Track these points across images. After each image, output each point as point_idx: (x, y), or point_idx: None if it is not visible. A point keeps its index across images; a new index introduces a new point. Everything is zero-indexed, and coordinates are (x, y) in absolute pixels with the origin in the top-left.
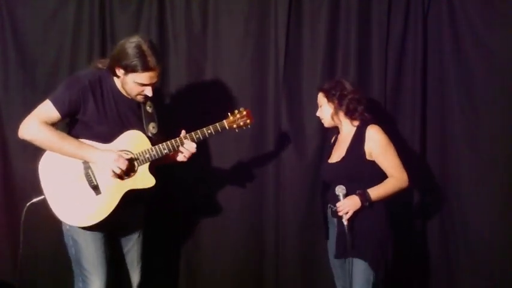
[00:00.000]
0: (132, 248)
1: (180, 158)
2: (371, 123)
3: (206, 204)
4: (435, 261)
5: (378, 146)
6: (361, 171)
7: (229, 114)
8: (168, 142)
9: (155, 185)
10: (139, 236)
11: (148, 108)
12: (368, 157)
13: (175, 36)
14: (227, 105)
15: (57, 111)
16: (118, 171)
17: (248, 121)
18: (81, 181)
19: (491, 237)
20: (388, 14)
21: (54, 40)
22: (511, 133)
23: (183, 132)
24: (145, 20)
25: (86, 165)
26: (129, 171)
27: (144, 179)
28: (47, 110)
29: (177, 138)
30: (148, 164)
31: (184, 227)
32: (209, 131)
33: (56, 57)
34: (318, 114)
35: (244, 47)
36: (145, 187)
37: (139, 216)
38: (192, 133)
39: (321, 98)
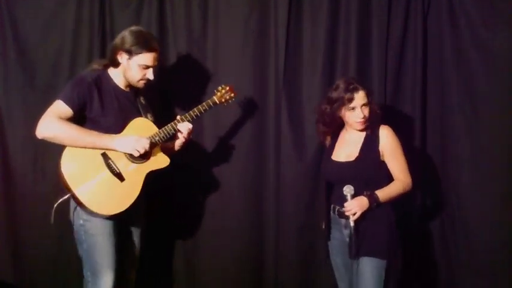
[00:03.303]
0: (131, 238)
1: (180, 139)
2: (382, 124)
3: (206, 204)
4: (435, 261)
5: (389, 146)
6: (375, 172)
7: (215, 91)
8: (172, 123)
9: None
10: (139, 228)
11: (142, 100)
12: (381, 158)
13: (175, 36)
14: (227, 105)
15: (68, 108)
16: (142, 151)
17: (232, 95)
18: (104, 171)
19: (491, 237)
20: (388, 14)
21: (54, 40)
22: (511, 133)
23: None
24: (145, 19)
25: (105, 155)
26: (144, 155)
27: (159, 159)
28: (58, 108)
29: (178, 117)
30: (159, 146)
31: (183, 226)
32: (204, 108)
33: (56, 57)
34: (366, 113)
35: (244, 47)
36: (162, 166)
37: (141, 210)
38: (190, 111)
39: (365, 98)
